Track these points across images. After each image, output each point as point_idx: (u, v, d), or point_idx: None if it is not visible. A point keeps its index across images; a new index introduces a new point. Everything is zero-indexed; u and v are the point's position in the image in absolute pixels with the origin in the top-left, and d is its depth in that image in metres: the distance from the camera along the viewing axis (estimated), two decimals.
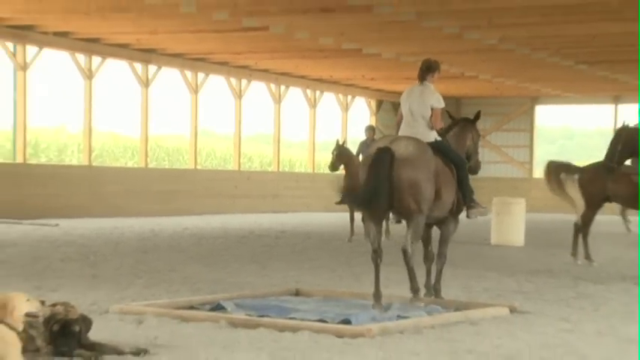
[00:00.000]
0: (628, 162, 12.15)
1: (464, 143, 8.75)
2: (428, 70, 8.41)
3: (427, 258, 8.57)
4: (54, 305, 5.84)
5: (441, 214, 8.20)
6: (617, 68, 24.97)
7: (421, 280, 8.26)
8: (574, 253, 12.94)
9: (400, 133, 8.30)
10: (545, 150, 46.60)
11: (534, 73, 26.45)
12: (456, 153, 8.44)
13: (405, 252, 7.84)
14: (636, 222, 20.60)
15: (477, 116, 9.00)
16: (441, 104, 8.36)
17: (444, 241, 8.53)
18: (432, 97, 8.32)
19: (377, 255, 7.79)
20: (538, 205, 28.40)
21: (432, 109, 8.27)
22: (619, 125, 12.30)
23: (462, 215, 8.54)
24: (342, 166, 16.64)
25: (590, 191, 12.93)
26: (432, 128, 8.28)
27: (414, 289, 7.99)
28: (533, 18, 17.87)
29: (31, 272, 10.18)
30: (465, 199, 8.32)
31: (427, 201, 7.85)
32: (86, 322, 5.77)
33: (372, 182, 7.63)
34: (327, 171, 29.74)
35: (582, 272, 11.68)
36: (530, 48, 21.64)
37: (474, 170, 8.78)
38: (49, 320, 5.66)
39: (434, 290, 8.48)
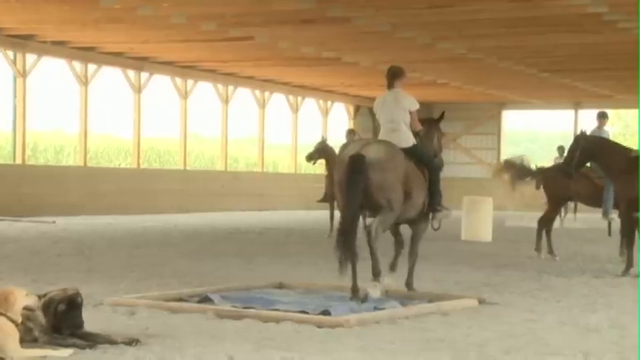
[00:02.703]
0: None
1: (431, 142, 8.56)
2: (394, 76, 8.22)
3: (397, 242, 8.39)
4: (44, 295, 5.77)
5: (411, 214, 8.04)
6: (576, 76, 25.10)
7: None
8: (538, 249, 12.97)
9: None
10: (512, 152, 46.68)
11: (501, 80, 26.53)
12: (429, 157, 8.27)
13: (368, 233, 7.60)
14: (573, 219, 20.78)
15: (442, 116, 8.83)
16: (417, 105, 8.21)
17: (415, 239, 8.37)
18: (407, 100, 8.16)
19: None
20: (504, 204, 28.47)
21: (410, 113, 8.12)
22: (579, 130, 12.35)
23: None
24: (320, 162, 16.77)
25: (553, 191, 12.98)
26: (411, 131, 8.13)
27: (375, 272, 7.69)
28: (500, 30, 17.94)
29: (29, 267, 10.09)
30: (433, 201, 8.14)
31: (397, 201, 7.71)
32: (80, 295, 5.76)
33: (350, 194, 7.47)
34: (309, 172, 29.82)
35: (545, 266, 11.71)
36: (497, 57, 21.71)
37: (439, 167, 8.57)
38: (49, 304, 5.60)
39: (406, 285, 8.33)
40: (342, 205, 7.68)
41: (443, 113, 8.90)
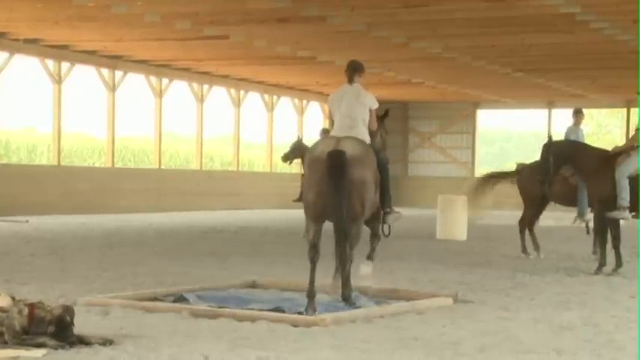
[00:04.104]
0: None
1: (375, 139, 8.15)
2: (355, 71, 7.96)
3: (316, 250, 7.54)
4: (30, 304, 5.67)
5: (369, 213, 7.65)
6: (550, 76, 25.27)
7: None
8: (536, 249, 12.91)
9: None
10: (486, 151, 47.04)
11: (475, 79, 26.66)
12: (382, 156, 7.89)
13: (347, 257, 7.20)
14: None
15: (386, 113, 8.58)
16: (377, 104, 7.94)
17: (374, 237, 8.00)
18: (368, 98, 7.86)
19: (315, 251, 7.15)
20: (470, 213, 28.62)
21: (369, 110, 7.84)
22: (552, 129, 12.43)
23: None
24: (296, 161, 16.75)
25: (527, 191, 13.05)
26: (369, 130, 7.85)
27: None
28: (474, 29, 18.02)
29: (1, 267, 9.98)
30: (384, 203, 7.83)
31: (370, 201, 7.43)
32: (69, 310, 5.68)
33: (336, 190, 7.08)
34: (285, 171, 29.79)
35: (519, 264, 11.78)
36: (471, 57, 21.81)
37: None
38: (38, 325, 5.48)
39: (367, 257, 7.97)
40: (329, 205, 7.15)
41: (387, 111, 8.62)
